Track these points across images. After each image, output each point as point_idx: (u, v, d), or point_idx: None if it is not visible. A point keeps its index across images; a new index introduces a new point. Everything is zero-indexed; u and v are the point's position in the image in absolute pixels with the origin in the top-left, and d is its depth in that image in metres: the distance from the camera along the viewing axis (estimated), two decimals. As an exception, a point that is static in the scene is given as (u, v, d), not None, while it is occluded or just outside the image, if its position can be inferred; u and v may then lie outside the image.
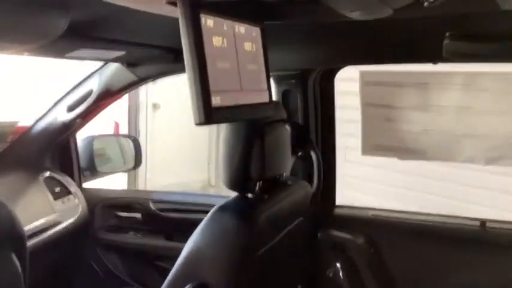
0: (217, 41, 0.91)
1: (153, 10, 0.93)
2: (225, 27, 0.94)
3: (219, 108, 0.88)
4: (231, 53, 0.95)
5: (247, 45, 1.02)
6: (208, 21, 0.88)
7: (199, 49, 0.84)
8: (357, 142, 1.86)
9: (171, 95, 5.10)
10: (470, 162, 1.67)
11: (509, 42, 1.28)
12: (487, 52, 1.33)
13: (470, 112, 1.62)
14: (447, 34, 1.33)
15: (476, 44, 1.33)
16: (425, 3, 0.85)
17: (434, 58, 1.46)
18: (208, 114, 0.85)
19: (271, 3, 1.00)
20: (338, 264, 1.73)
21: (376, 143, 1.76)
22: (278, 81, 1.78)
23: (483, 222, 1.64)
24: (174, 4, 0.84)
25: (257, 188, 1.33)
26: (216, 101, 0.87)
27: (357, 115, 1.80)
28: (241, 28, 0.99)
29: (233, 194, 1.38)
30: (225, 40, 0.93)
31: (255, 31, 1.05)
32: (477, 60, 1.43)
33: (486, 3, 0.88)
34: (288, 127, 1.54)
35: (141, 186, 5.16)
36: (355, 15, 0.90)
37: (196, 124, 0.86)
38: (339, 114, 1.89)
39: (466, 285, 1.62)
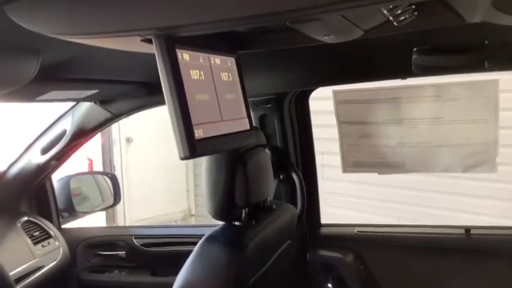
0: (194, 74, 0.91)
1: (128, 48, 0.92)
2: (201, 60, 0.95)
3: (202, 141, 0.88)
4: (208, 84, 0.96)
5: (224, 75, 1.03)
6: (184, 56, 0.89)
7: (178, 84, 0.84)
8: (333, 159, 1.87)
9: (143, 128, 5.08)
10: (448, 172, 1.70)
11: (475, 53, 1.32)
12: (454, 64, 1.37)
13: (443, 122, 1.66)
14: (415, 49, 1.36)
15: (443, 57, 1.37)
16: (395, 23, 0.88)
17: (404, 73, 1.49)
18: (192, 147, 0.85)
19: (244, 33, 1.01)
20: (329, 285, 1.73)
21: (355, 160, 1.78)
22: (254, 107, 1.80)
23: (467, 229, 1.66)
24: (149, 41, 0.84)
25: (243, 215, 1.32)
26: (198, 133, 0.87)
27: (331, 133, 1.82)
28: (216, 59, 1.00)
29: (217, 221, 1.37)
30: (202, 72, 0.94)
31: (230, 61, 1.06)
32: (445, 72, 1.47)
33: (452, 18, 0.91)
34: (267, 151, 1.54)
35: (120, 222, 5.07)
36: (328, 39, 0.92)
37: (181, 158, 0.85)
38: (314, 133, 1.91)
39: None
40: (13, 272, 1.74)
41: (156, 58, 0.83)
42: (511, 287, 1.60)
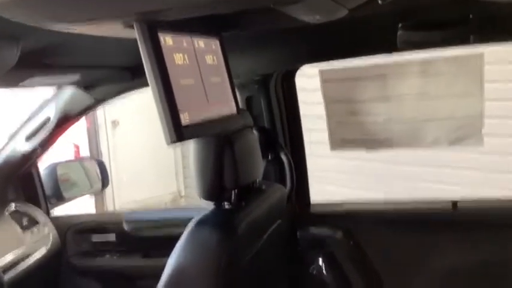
0: (178, 58, 0.90)
1: (111, 35, 0.91)
2: (185, 44, 0.94)
3: (189, 126, 0.87)
4: (193, 68, 0.95)
5: (209, 59, 1.01)
6: (167, 40, 0.87)
7: (162, 69, 0.83)
8: (320, 136, 1.87)
9: (129, 110, 5.03)
10: (435, 146, 1.72)
11: (460, 28, 1.32)
12: (439, 39, 1.37)
13: (429, 97, 1.67)
14: (400, 25, 1.36)
15: (429, 31, 1.37)
16: (380, 1, 0.87)
17: (390, 49, 1.49)
18: (179, 132, 0.84)
19: (227, 14, 0.99)
20: (320, 261, 1.74)
21: (343, 137, 1.78)
22: (240, 89, 1.78)
23: (455, 203, 1.68)
24: (131, 27, 0.82)
25: (233, 197, 1.32)
26: (184, 118, 0.87)
27: (317, 110, 1.81)
28: (200, 42, 0.99)
29: (206, 203, 1.37)
30: (186, 56, 0.92)
31: (214, 43, 1.05)
32: (429, 46, 1.47)
33: (437, -6, 0.90)
34: (255, 132, 1.54)
35: (109, 206, 5.07)
36: (313, 19, 0.91)
37: (168, 144, 0.85)
38: (301, 111, 1.90)
39: (447, 266, 1.65)
40: (1, 261, 1.74)
41: (139, 44, 0.82)
42: (500, 258, 1.62)
